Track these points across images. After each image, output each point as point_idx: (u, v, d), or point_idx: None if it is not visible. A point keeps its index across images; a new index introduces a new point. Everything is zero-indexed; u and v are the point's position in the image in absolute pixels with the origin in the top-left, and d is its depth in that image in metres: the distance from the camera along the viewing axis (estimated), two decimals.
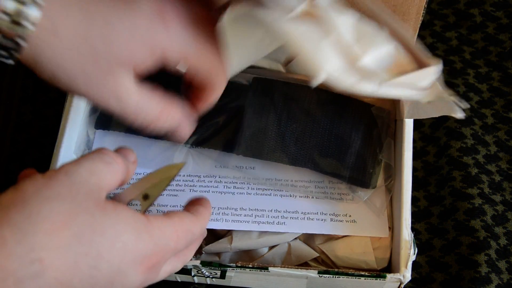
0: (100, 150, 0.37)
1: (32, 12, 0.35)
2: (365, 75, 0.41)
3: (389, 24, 0.43)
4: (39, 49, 0.37)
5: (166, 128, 0.42)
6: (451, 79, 0.63)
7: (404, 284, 0.47)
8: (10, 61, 0.37)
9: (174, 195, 0.52)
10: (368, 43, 0.42)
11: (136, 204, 0.39)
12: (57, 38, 0.37)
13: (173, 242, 0.37)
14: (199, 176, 0.53)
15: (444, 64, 0.64)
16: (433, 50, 0.65)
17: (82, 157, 0.36)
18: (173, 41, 0.39)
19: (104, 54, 0.38)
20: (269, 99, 0.53)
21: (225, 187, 0.52)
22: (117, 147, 0.39)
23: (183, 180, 0.53)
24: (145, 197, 0.39)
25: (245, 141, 0.52)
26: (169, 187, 0.51)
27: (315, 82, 0.40)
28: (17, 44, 0.36)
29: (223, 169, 0.53)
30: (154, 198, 0.40)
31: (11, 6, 0.35)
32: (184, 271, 0.49)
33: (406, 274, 0.46)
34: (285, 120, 0.52)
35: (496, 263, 0.54)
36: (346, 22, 0.42)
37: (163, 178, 0.40)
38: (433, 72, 0.42)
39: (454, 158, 0.59)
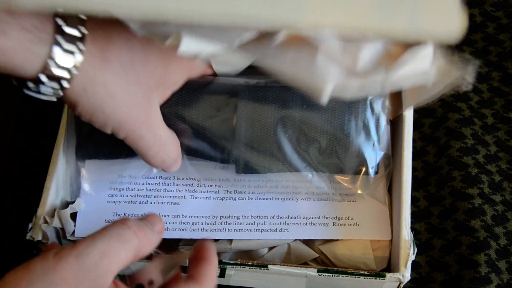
0: (122, 223, 0.36)
1: (80, 45, 0.38)
2: (366, 76, 0.41)
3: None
4: (90, 75, 0.39)
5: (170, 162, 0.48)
6: None
7: (404, 283, 0.47)
8: (60, 93, 0.39)
9: (175, 203, 0.51)
10: (356, 46, 0.42)
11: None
12: (106, 63, 0.39)
13: None
14: (199, 180, 0.52)
15: None
16: None
17: (100, 233, 0.35)
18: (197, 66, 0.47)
19: (144, 77, 0.41)
20: (259, 108, 0.50)
21: (226, 192, 0.52)
22: (146, 214, 0.39)
23: (183, 185, 0.52)
24: (151, 283, 0.39)
25: (243, 158, 0.50)
26: (170, 194, 0.52)
27: (324, 99, 0.41)
28: (70, 73, 0.38)
29: (222, 170, 0.53)
30: (158, 284, 0.39)
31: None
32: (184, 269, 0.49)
33: (406, 274, 0.46)
34: (279, 127, 0.50)
35: (496, 263, 0.54)
36: (328, 34, 0.42)
37: (170, 265, 0.40)
38: (428, 50, 0.41)
39: (454, 158, 0.59)
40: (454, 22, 0.39)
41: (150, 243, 0.37)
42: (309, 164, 0.51)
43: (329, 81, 0.41)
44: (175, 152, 0.47)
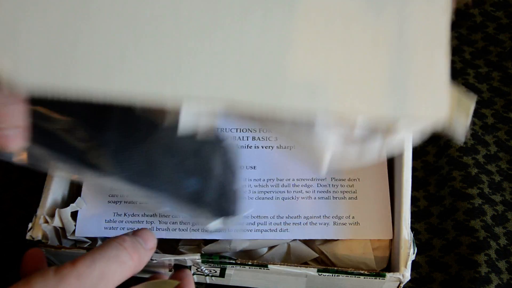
0: (119, 243, 0.37)
1: None
2: (364, 143, 0.42)
3: None
4: None
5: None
6: (451, 79, 0.63)
7: (404, 283, 0.47)
8: None
9: None
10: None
11: None
12: None
13: None
14: None
15: None
16: None
17: (99, 253, 0.36)
18: None
19: None
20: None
21: None
22: (139, 229, 0.39)
23: None
24: None
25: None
26: None
27: (324, 168, 0.41)
28: None
29: None
30: None
31: None
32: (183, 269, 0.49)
33: (406, 274, 0.46)
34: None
35: (496, 263, 0.54)
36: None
37: None
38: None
39: (454, 158, 0.59)
40: (443, 110, 0.40)
41: (142, 262, 0.38)
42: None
43: (327, 150, 0.42)
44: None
